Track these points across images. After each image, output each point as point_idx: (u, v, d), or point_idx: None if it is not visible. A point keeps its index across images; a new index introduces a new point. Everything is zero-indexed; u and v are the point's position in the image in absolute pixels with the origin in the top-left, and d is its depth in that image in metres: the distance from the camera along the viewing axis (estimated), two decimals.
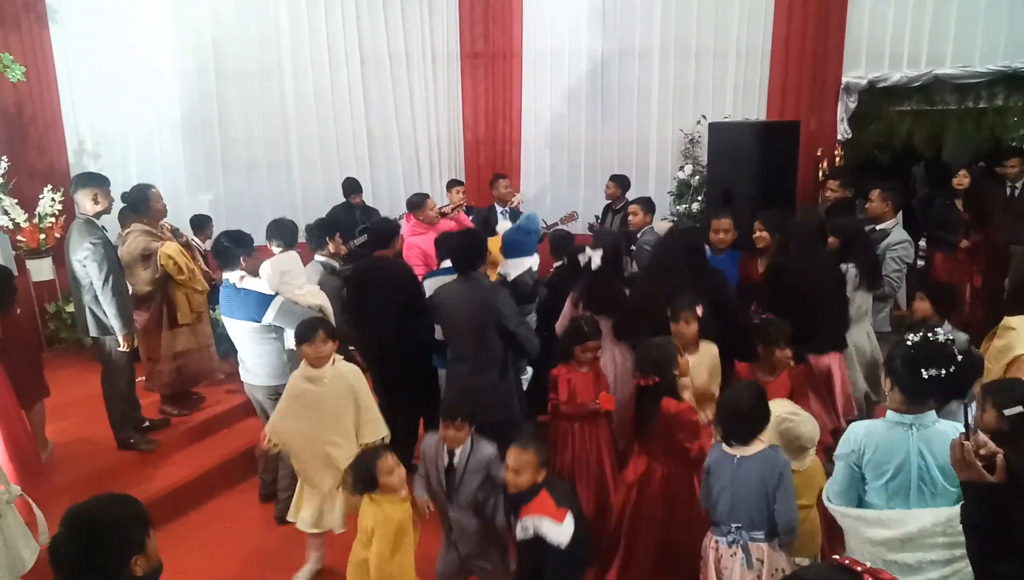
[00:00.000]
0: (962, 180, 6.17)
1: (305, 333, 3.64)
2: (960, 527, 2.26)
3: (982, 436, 2.02)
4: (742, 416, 2.97)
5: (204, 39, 7.42)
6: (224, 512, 4.66)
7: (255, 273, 4.26)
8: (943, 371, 2.42)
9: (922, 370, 2.44)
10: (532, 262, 4.01)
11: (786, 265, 4.48)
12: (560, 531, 2.82)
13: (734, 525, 2.95)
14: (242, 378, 4.39)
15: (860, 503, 2.66)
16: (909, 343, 2.51)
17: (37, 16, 6.50)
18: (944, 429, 2.50)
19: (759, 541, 2.92)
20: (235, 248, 4.25)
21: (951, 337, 2.51)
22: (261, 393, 4.29)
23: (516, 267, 4.02)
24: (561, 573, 2.88)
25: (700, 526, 3.27)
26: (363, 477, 3.17)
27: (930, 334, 2.51)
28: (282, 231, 4.62)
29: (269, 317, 4.10)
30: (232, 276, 4.18)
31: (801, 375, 3.87)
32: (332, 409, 3.67)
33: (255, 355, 4.23)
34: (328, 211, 7.15)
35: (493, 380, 4.02)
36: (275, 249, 4.59)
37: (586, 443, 3.93)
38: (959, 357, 2.44)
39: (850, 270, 4.52)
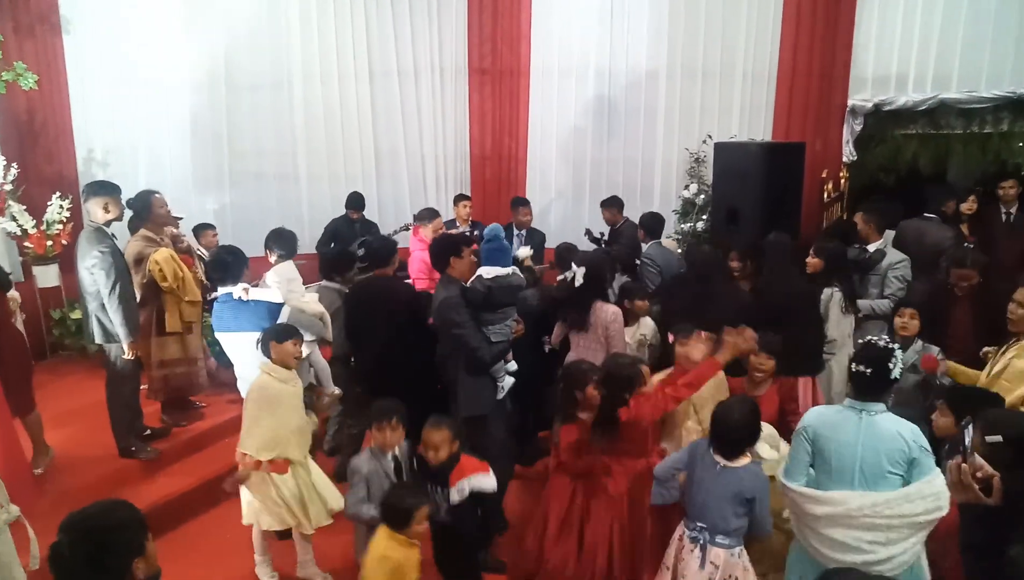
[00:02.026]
0: (971, 205, 6.17)
1: (288, 332, 3.84)
2: (886, 511, 2.61)
3: (979, 459, 2.03)
4: (734, 432, 3.04)
5: (215, 51, 7.48)
6: (224, 522, 4.63)
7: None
8: (868, 370, 2.74)
9: (852, 364, 2.82)
10: (484, 271, 4.02)
11: (760, 288, 4.66)
12: (490, 479, 3.44)
13: (699, 524, 3.06)
14: (243, 393, 4.34)
15: (811, 483, 2.91)
16: (860, 342, 2.92)
17: (51, 26, 6.56)
18: (888, 421, 2.75)
19: (720, 547, 3.02)
20: (238, 262, 4.28)
21: (892, 345, 2.81)
22: None
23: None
24: (497, 513, 3.69)
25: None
26: (399, 515, 3.10)
27: (873, 338, 2.86)
28: (283, 241, 4.70)
29: None
30: (235, 290, 4.19)
31: (788, 388, 3.96)
32: (300, 402, 3.91)
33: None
34: (327, 224, 7.19)
35: (447, 378, 4.22)
36: (274, 259, 4.65)
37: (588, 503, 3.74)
38: (891, 364, 2.73)
39: (835, 294, 4.60)
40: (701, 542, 3.04)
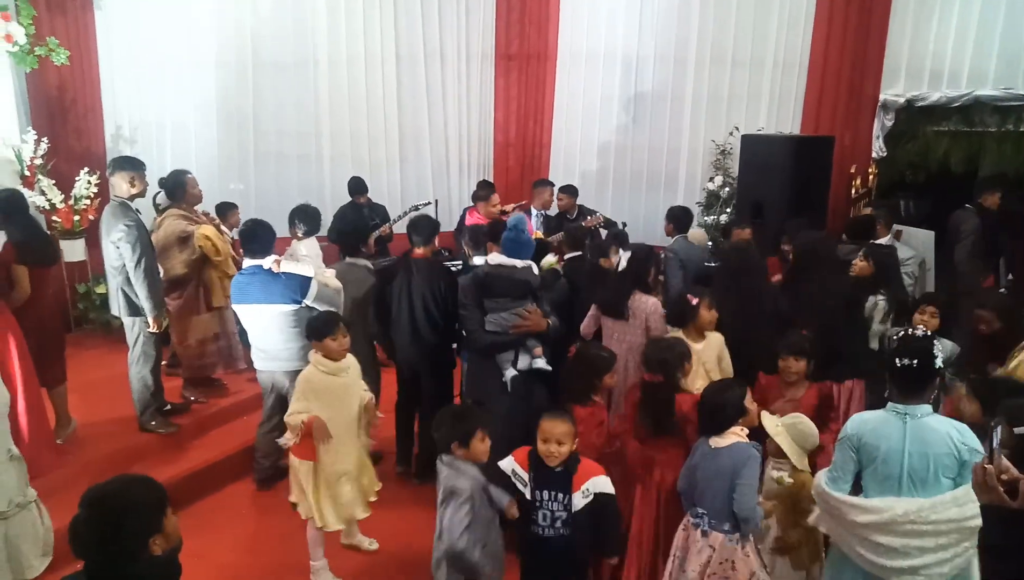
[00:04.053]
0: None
1: (328, 327, 3.69)
2: (932, 517, 2.54)
3: (1005, 461, 2.00)
4: (715, 409, 3.11)
5: (243, 30, 7.50)
6: (241, 497, 4.71)
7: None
8: (914, 362, 2.65)
9: (896, 359, 2.69)
10: (491, 257, 4.04)
11: (802, 287, 4.41)
12: (610, 483, 3.05)
13: (699, 510, 3.09)
14: (260, 366, 4.41)
15: (855, 490, 2.81)
16: (895, 337, 2.81)
17: (83, 2, 6.61)
18: (935, 424, 2.66)
19: (719, 531, 3.04)
20: (268, 234, 4.33)
21: (928, 333, 2.80)
22: (289, 378, 4.29)
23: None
24: (617, 523, 3.17)
25: None
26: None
27: (910, 329, 2.79)
28: (308, 217, 4.85)
29: (310, 298, 4.19)
30: (265, 262, 4.22)
31: (827, 394, 3.82)
32: (355, 396, 3.82)
33: (285, 339, 4.26)
34: (335, 212, 7.20)
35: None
36: (300, 234, 4.73)
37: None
38: (936, 351, 2.66)
39: (879, 302, 4.45)
40: (702, 527, 3.07)
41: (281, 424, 4.39)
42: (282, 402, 4.46)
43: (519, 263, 3.95)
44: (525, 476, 3.04)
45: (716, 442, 3.08)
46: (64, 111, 6.65)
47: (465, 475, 2.97)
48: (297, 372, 4.19)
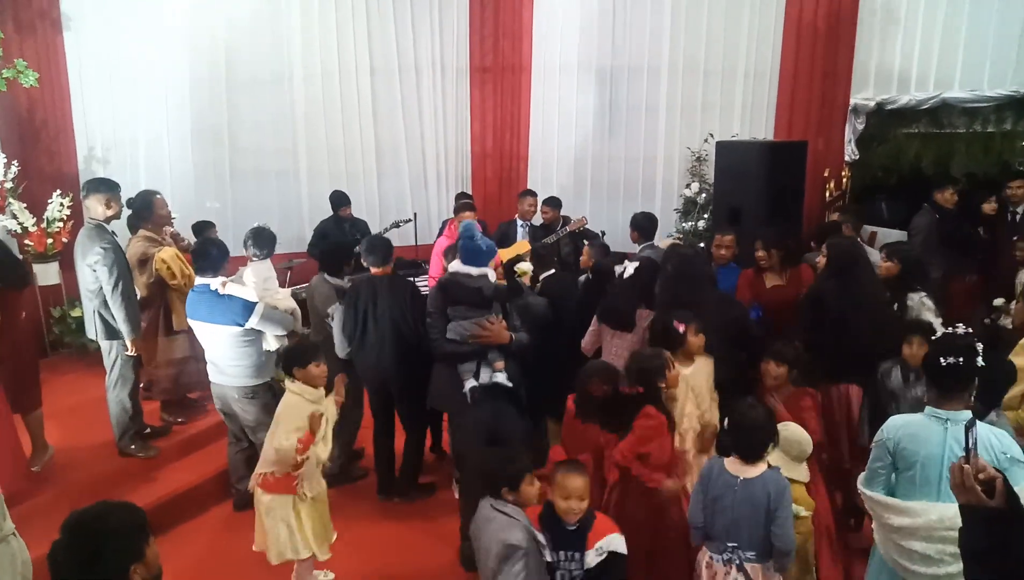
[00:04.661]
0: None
1: (309, 355, 3.70)
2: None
3: (982, 460, 2.02)
4: (754, 430, 2.94)
5: (216, 47, 7.46)
6: (223, 519, 4.65)
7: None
8: (959, 360, 2.62)
9: (940, 359, 2.65)
10: (452, 266, 4.13)
11: (828, 290, 4.26)
12: (623, 542, 2.91)
13: (730, 544, 2.95)
14: (213, 379, 4.42)
15: (890, 493, 2.78)
16: (934, 338, 2.83)
17: (52, 23, 6.55)
18: (978, 429, 2.59)
19: (752, 562, 2.94)
20: (221, 255, 4.32)
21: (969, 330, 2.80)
22: (237, 393, 4.31)
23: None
24: None
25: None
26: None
27: (951, 328, 2.79)
28: (263, 240, 4.84)
29: (253, 322, 4.19)
30: (214, 282, 4.23)
31: (797, 399, 3.74)
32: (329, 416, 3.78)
33: (234, 358, 4.26)
34: (316, 226, 7.19)
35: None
36: (253, 257, 4.80)
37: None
38: (978, 350, 2.62)
39: (924, 300, 4.31)
40: (737, 561, 2.94)
41: (250, 440, 4.48)
42: (228, 415, 4.49)
43: (474, 271, 3.97)
44: (542, 539, 2.92)
45: (743, 471, 2.93)
46: (35, 133, 6.58)
47: (519, 525, 2.85)
48: (247, 388, 4.28)
